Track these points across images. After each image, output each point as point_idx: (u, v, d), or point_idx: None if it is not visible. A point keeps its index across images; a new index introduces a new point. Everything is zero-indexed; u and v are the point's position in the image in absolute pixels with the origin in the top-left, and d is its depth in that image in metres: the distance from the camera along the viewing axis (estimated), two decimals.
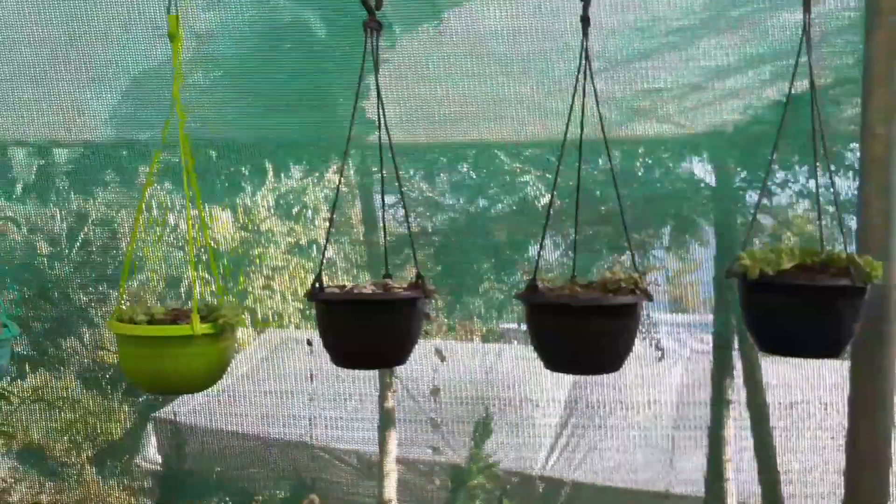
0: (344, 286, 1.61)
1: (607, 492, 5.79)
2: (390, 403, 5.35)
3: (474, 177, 3.86)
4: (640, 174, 3.71)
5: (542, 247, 1.66)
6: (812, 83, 1.74)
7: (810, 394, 5.35)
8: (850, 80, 3.46)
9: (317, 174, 5.35)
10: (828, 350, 1.55)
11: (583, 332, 1.50)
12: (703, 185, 3.55)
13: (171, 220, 8.21)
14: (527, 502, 5.72)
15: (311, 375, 6.36)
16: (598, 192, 3.83)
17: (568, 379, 6.98)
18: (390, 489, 5.22)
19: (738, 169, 3.58)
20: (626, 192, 3.88)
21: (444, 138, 3.71)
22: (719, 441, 4.61)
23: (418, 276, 1.54)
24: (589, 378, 6.97)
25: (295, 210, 8.16)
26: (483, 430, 4.38)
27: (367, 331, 1.47)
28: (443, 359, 5.39)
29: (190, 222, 1.65)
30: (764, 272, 1.48)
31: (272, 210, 8.15)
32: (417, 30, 3.12)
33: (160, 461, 7.21)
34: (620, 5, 2.88)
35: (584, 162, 4.15)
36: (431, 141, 3.76)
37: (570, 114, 1.84)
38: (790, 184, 3.95)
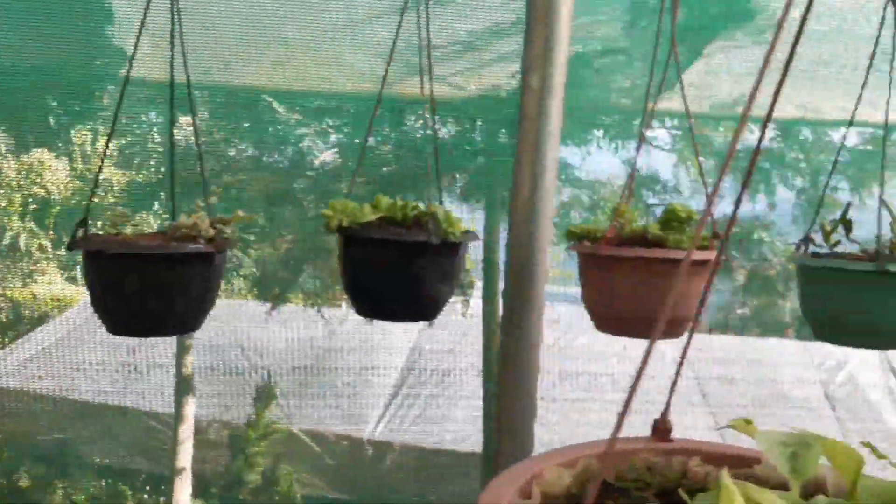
0: None
1: (432, 454, 5.84)
2: (188, 370, 5.11)
3: (247, 125, 3.63)
4: (417, 135, 3.59)
5: (94, 189, 1.45)
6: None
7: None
8: (618, 50, 3.44)
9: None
10: (415, 313, 1.44)
11: (144, 283, 1.32)
12: (474, 149, 3.45)
13: None
14: (356, 465, 5.68)
15: None
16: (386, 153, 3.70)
17: (405, 346, 6.93)
18: (185, 457, 5.00)
19: (508, 135, 3.50)
20: (400, 151, 3.75)
21: (217, 81, 3.46)
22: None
23: None
24: (426, 345, 6.95)
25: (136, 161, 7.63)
26: (265, 396, 4.20)
27: None
28: None
29: None
30: (345, 225, 1.35)
31: (110, 156, 7.61)
32: None
33: None
34: None
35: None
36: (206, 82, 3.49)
37: None
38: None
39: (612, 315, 1.48)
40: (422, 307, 1.42)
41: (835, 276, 1.49)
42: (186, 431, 5.07)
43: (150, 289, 1.31)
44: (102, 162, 1.45)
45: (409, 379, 6.71)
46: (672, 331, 1.52)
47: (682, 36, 3.35)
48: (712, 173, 4.84)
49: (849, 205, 1.68)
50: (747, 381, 7.23)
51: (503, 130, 3.46)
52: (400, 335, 6.76)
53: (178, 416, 5.06)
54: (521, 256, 1.76)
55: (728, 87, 3.49)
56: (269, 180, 3.33)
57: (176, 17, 1.45)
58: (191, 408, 5.07)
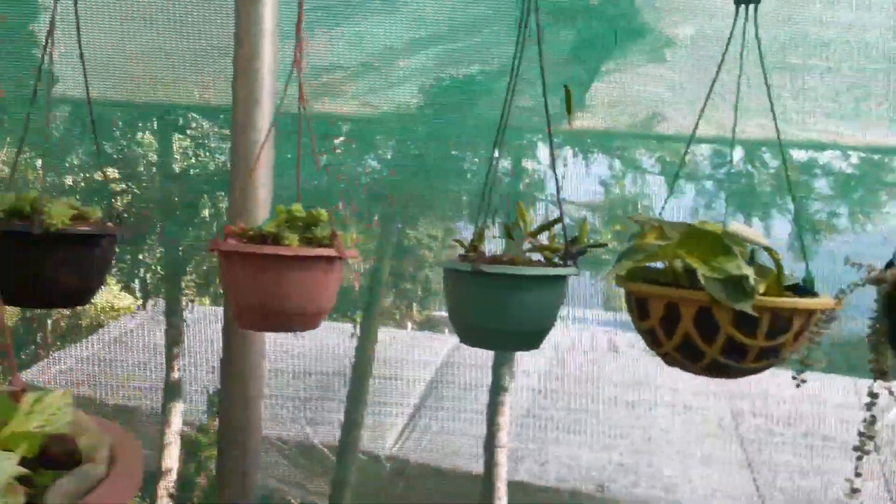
0: None
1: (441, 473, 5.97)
2: (176, 375, 5.39)
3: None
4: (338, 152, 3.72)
5: None
6: None
7: None
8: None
9: None
10: (55, 300, 1.56)
11: None
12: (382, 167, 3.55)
13: None
14: (373, 480, 5.89)
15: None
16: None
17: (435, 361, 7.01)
18: (171, 459, 5.27)
19: (426, 153, 3.57)
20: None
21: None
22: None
23: None
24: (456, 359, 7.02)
25: None
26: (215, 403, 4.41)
27: None
28: None
29: None
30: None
31: None
32: None
33: None
34: None
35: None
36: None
37: None
38: None
39: (242, 309, 1.53)
40: (56, 295, 1.53)
41: (453, 278, 1.48)
42: (172, 435, 5.33)
43: None
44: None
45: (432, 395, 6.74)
46: (308, 322, 1.55)
47: (578, 56, 3.33)
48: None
49: (560, 217, 1.65)
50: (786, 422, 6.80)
51: (411, 145, 3.56)
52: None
53: (165, 421, 5.32)
54: None
55: (635, 107, 3.40)
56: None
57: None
58: (178, 413, 5.33)
